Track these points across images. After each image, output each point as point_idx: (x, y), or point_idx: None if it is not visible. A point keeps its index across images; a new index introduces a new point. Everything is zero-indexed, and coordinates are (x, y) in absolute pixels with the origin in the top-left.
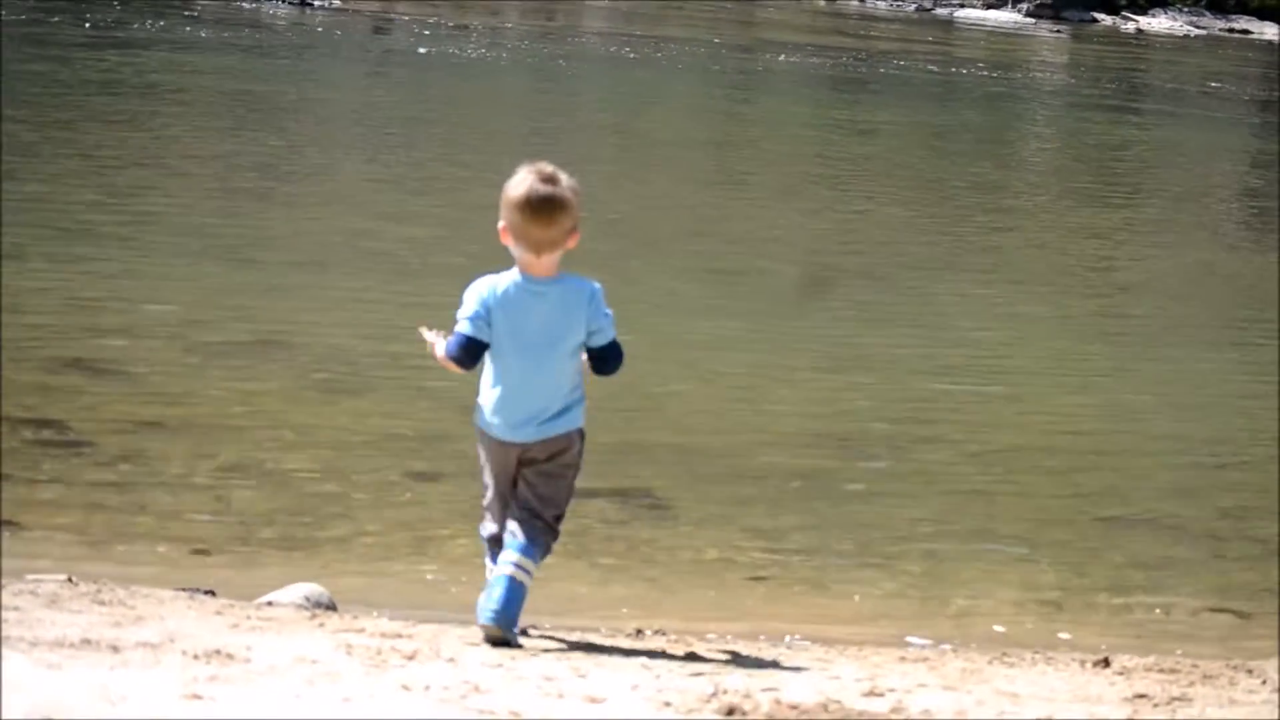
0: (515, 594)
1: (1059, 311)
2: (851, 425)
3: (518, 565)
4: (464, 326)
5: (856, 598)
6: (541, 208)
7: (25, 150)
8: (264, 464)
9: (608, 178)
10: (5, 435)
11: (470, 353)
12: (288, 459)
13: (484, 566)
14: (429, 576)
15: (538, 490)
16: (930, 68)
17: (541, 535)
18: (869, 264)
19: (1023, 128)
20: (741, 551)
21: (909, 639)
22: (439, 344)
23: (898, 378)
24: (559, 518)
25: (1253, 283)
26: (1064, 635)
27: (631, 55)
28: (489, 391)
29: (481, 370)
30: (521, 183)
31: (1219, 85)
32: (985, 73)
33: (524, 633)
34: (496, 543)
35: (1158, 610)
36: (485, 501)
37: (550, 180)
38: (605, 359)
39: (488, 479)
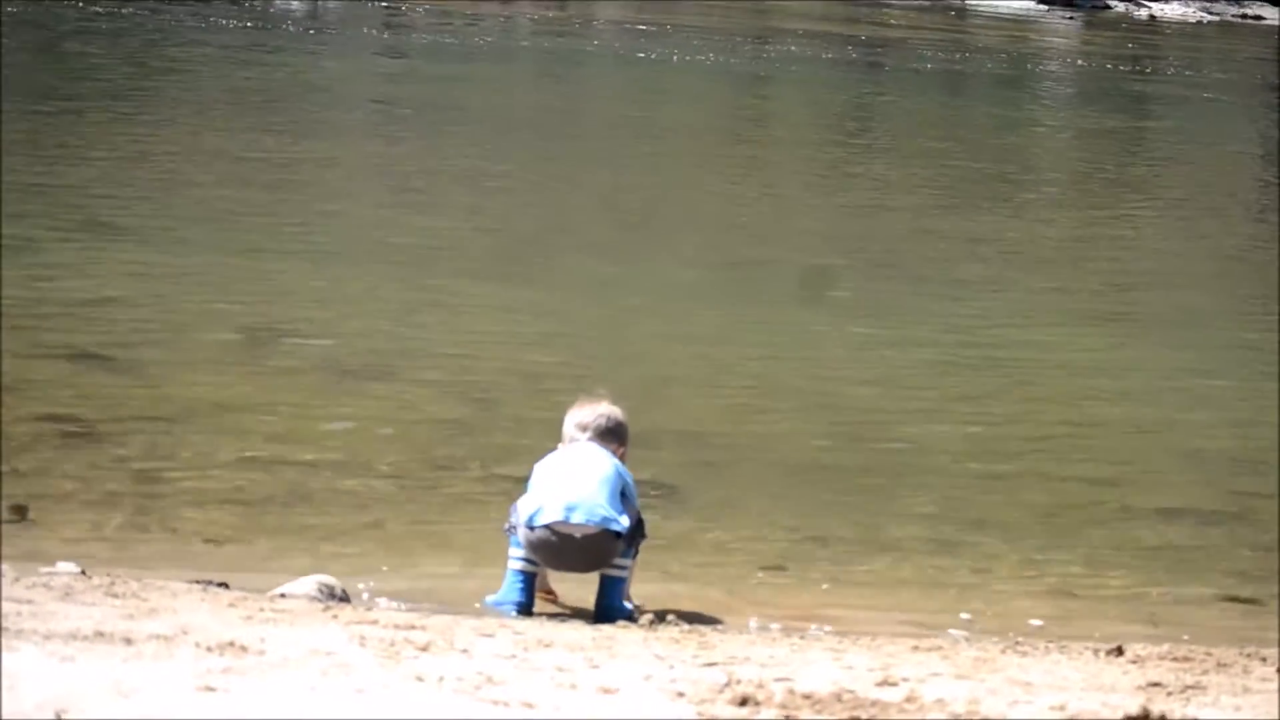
0: None
1: (1071, 300)
2: (863, 414)
3: None
4: None
5: (872, 587)
6: None
7: (33, 142)
8: (277, 455)
9: (622, 167)
10: (19, 428)
11: None
12: (301, 450)
13: (504, 557)
14: (442, 568)
15: None
16: (940, 54)
17: None
18: (881, 253)
19: (1035, 116)
20: (754, 541)
21: (953, 627)
22: None
23: (909, 366)
24: None
25: (1266, 271)
26: (1080, 624)
27: (646, 44)
28: None
29: None
30: None
31: (1232, 73)
32: (997, 60)
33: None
34: (508, 533)
35: (1171, 599)
36: None
37: None
38: None
39: None
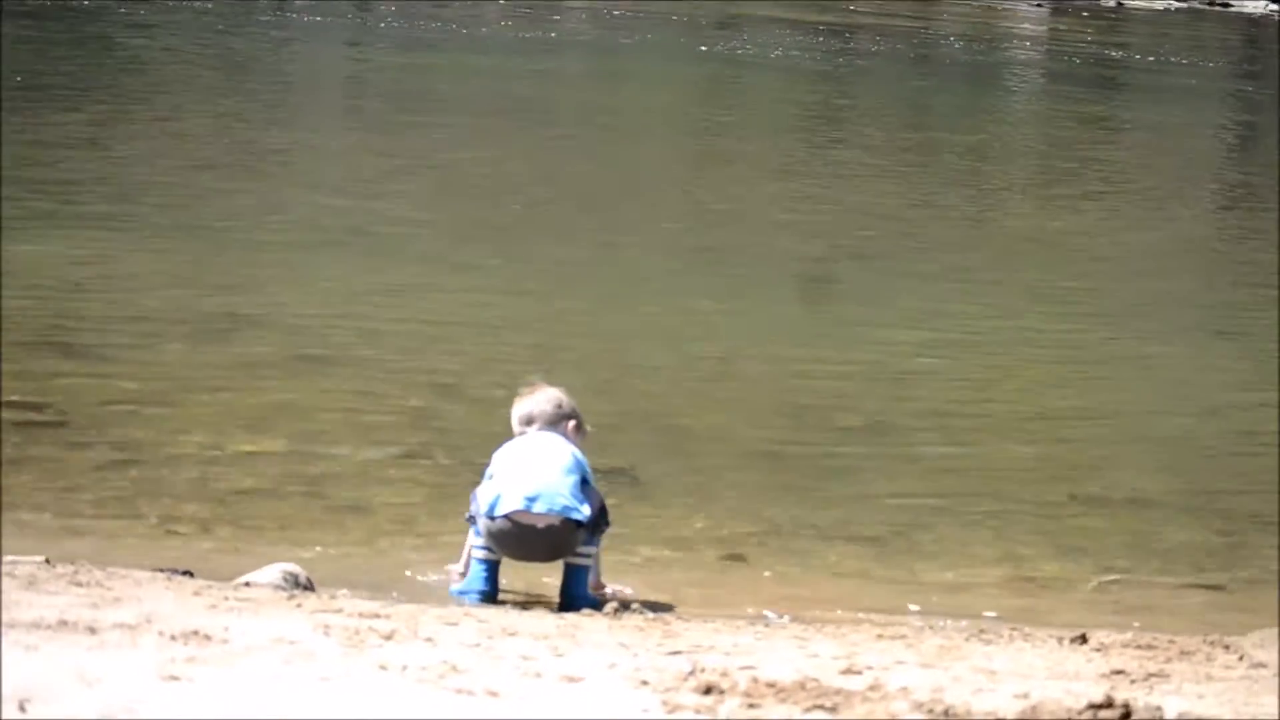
0: None
1: (1037, 289)
2: (830, 402)
3: None
4: None
5: (835, 575)
6: None
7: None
8: (242, 443)
9: (591, 155)
10: None
11: None
12: (266, 438)
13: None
14: (408, 555)
15: None
16: (899, 45)
17: None
18: (850, 242)
19: (999, 103)
20: (721, 529)
21: (913, 615)
22: None
23: (876, 355)
24: None
25: (1230, 260)
26: (1043, 612)
27: (617, 32)
28: None
29: None
30: None
31: (1199, 61)
32: (961, 47)
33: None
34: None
35: (1136, 587)
36: None
37: None
38: None
39: None
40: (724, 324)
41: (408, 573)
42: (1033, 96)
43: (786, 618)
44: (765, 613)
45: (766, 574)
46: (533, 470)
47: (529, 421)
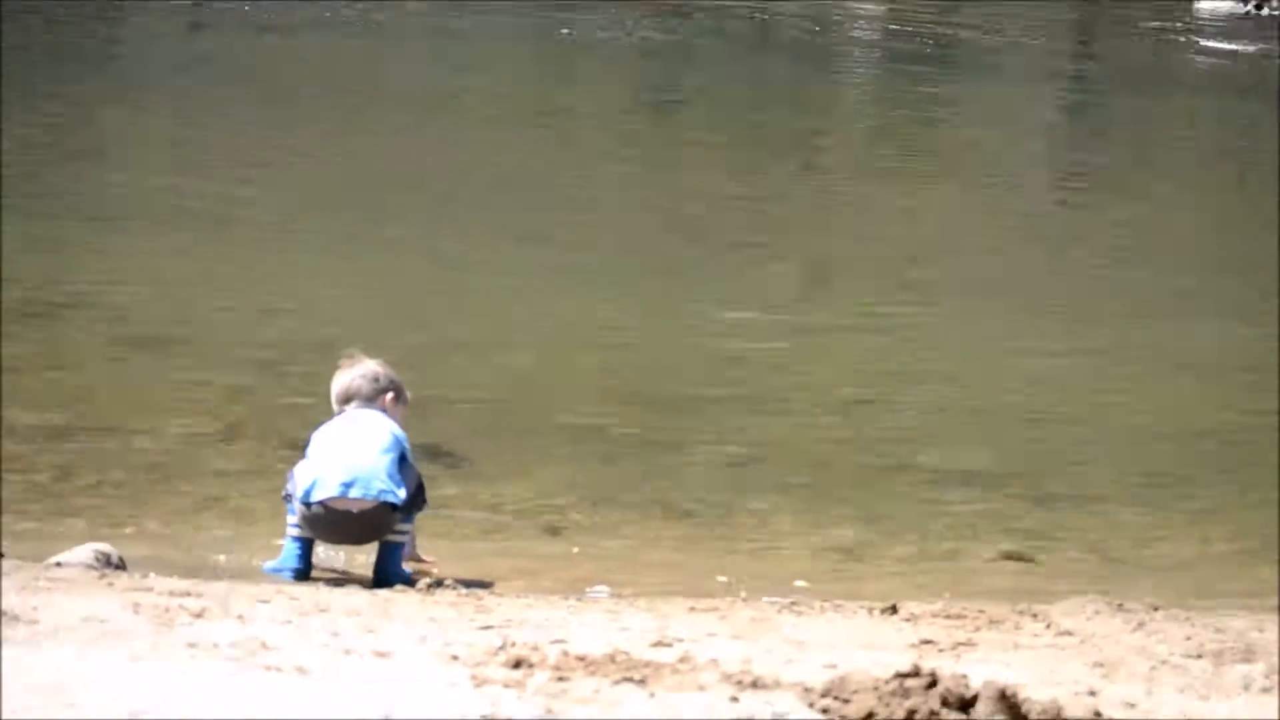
0: None
1: (866, 266)
2: (648, 378)
3: None
4: None
5: (649, 550)
6: None
7: None
8: (60, 423)
9: (427, 136)
10: None
11: None
12: (84, 417)
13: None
14: (222, 534)
15: None
16: (738, 23)
17: None
18: (676, 221)
19: (833, 83)
20: (535, 505)
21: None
22: None
23: (695, 332)
24: None
25: (1061, 238)
26: (856, 583)
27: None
28: None
29: None
30: None
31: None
32: (798, 29)
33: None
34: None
35: (945, 558)
36: None
37: None
38: None
39: None
40: (546, 302)
41: (220, 557)
42: (869, 77)
43: (605, 590)
44: (597, 588)
45: (581, 549)
46: (349, 453)
47: (347, 399)
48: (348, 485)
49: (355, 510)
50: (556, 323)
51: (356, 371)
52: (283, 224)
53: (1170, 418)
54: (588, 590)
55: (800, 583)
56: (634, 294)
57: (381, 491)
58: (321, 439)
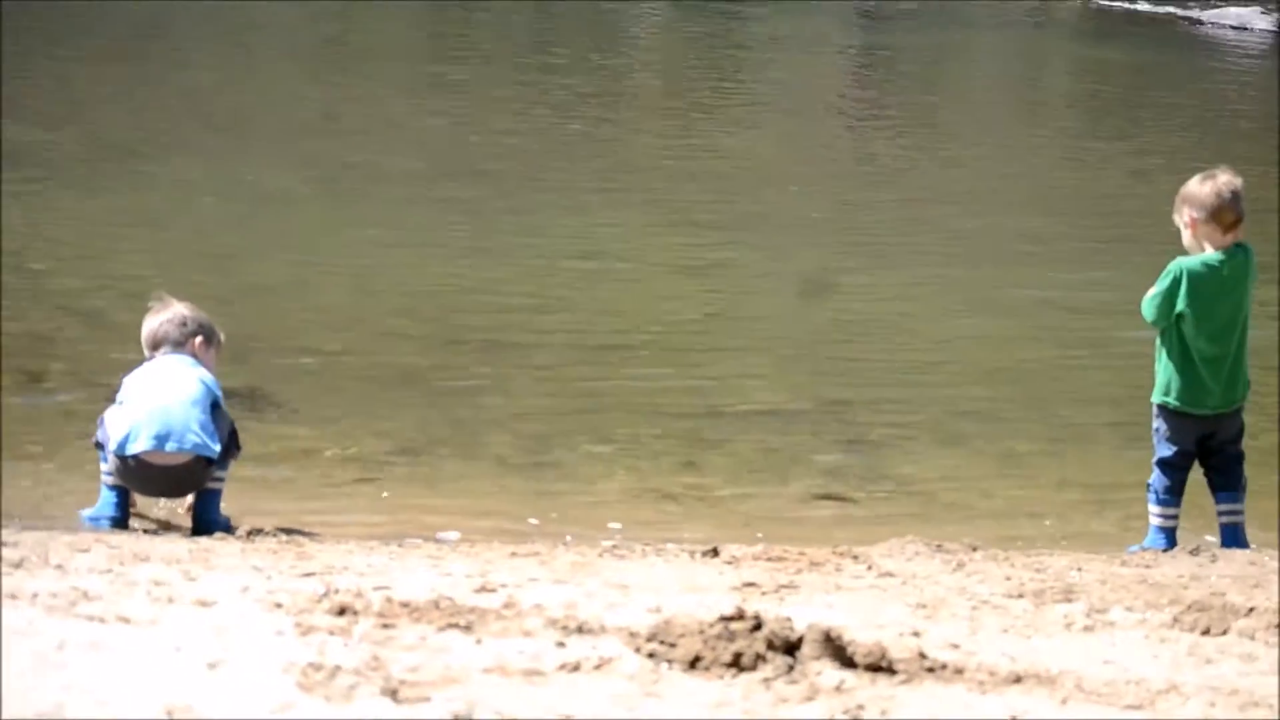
0: None
1: (664, 206)
2: (461, 322)
3: None
4: None
5: (469, 494)
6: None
7: None
8: None
9: (225, 76)
10: None
11: None
12: None
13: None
14: (37, 483)
15: None
16: None
17: None
18: (483, 162)
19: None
20: (351, 449)
21: (540, 532)
22: None
23: (509, 274)
24: None
25: (866, 175)
26: (675, 526)
27: None
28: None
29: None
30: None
31: None
32: None
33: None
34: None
35: (766, 500)
36: None
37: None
38: None
39: None
40: (353, 244)
41: (35, 505)
42: (663, 17)
43: (456, 534)
44: (445, 534)
45: (396, 494)
46: (161, 404)
47: (156, 345)
48: (161, 439)
49: (169, 464)
50: (372, 266)
51: (164, 315)
52: (82, 167)
53: (983, 357)
54: (408, 535)
55: (615, 525)
56: (440, 234)
57: (196, 445)
58: (132, 386)
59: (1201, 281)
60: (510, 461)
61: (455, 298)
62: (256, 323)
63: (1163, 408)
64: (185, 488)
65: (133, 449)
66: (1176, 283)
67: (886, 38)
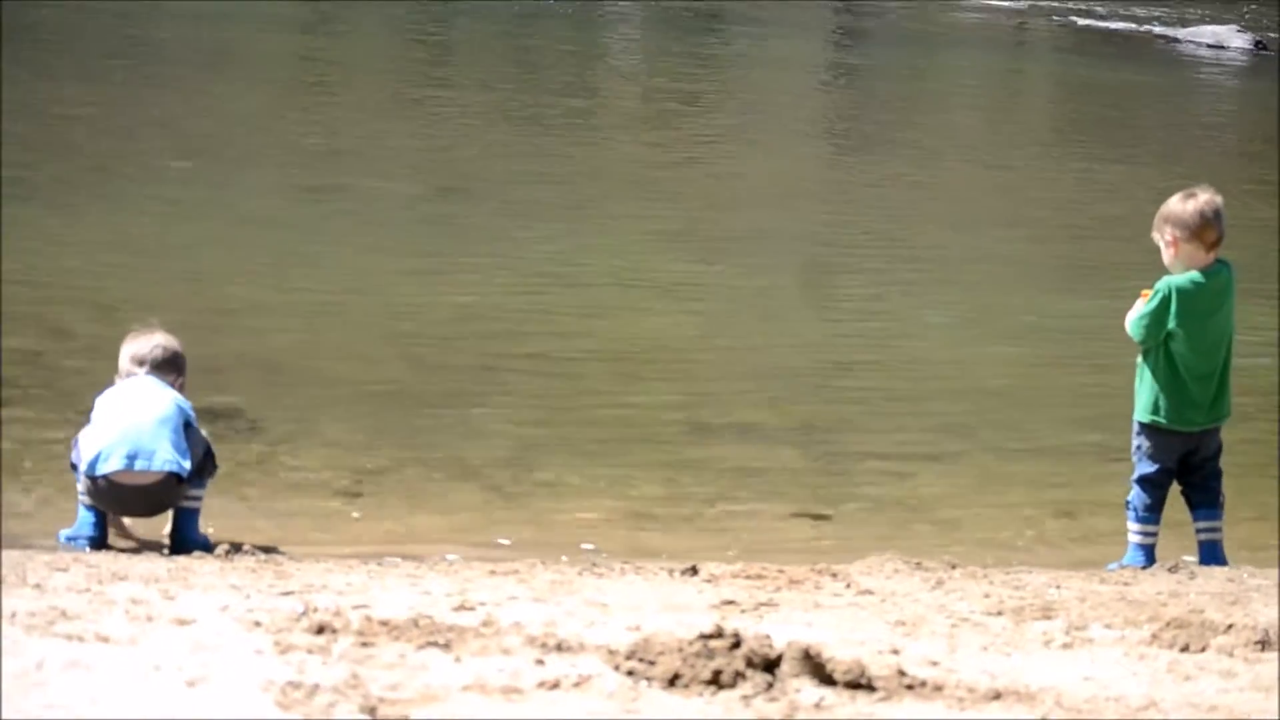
0: None
1: (648, 223)
2: (440, 341)
3: None
4: None
5: (445, 513)
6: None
7: None
8: None
9: (195, 93)
10: None
11: None
12: None
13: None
14: (16, 503)
15: None
16: None
17: None
18: (456, 182)
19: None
20: (330, 468)
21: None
22: None
23: (484, 293)
24: None
25: (836, 197)
26: (654, 545)
27: None
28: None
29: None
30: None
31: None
32: None
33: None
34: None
35: (745, 517)
36: None
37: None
38: None
39: None
40: (332, 264)
41: (12, 525)
42: (640, 37)
43: (399, 557)
44: (448, 556)
45: (371, 513)
46: (134, 424)
47: (139, 363)
48: (131, 458)
49: (141, 484)
50: (350, 288)
51: (153, 339)
52: (55, 189)
53: (962, 376)
54: (387, 554)
55: (588, 545)
56: (417, 253)
57: (166, 463)
58: (106, 404)
59: (1191, 299)
60: (490, 480)
61: (435, 318)
62: (236, 343)
63: (1148, 426)
64: (158, 507)
65: (103, 469)
66: (1166, 301)
67: (865, 58)
